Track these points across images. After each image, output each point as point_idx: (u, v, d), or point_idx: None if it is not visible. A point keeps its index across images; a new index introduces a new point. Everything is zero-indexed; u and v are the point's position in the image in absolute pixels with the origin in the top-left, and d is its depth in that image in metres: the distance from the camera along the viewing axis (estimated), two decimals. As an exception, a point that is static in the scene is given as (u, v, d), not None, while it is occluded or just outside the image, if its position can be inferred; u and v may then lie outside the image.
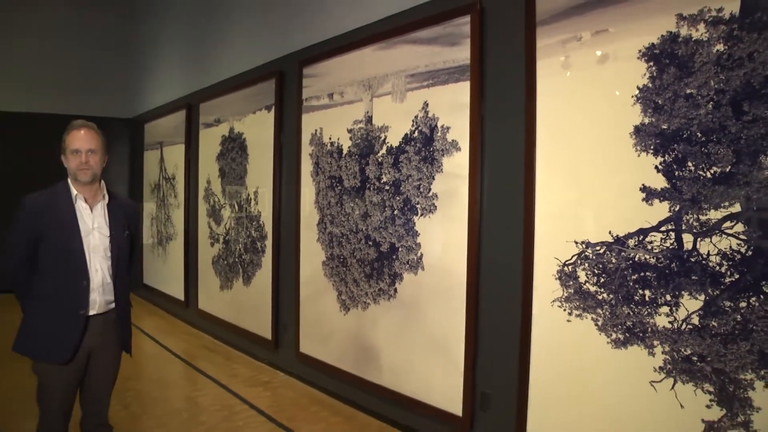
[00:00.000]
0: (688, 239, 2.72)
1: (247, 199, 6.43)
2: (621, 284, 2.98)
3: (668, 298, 2.80)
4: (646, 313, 2.88)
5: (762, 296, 2.50)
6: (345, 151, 4.81)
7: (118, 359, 3.06)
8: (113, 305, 2.96)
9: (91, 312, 2.86)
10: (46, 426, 2.86)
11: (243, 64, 6.61)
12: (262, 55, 6.23)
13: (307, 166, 5.32)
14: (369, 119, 4.55)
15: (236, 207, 6.67)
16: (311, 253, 5.27)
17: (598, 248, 3.07)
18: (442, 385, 3.96)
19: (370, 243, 4.52)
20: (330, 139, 5.00)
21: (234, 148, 6.71)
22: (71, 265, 2.81)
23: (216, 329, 7.23)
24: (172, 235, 8.63)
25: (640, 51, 2.88)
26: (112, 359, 3.01)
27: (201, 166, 7.61)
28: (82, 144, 2.84)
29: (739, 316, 2.57)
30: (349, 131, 4.76)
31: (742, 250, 2.55)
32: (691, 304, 2.72)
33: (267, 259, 6.06)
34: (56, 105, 10.07)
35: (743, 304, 2.56)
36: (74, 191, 2.86)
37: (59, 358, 2.78)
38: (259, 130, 6.21)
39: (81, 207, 2.86)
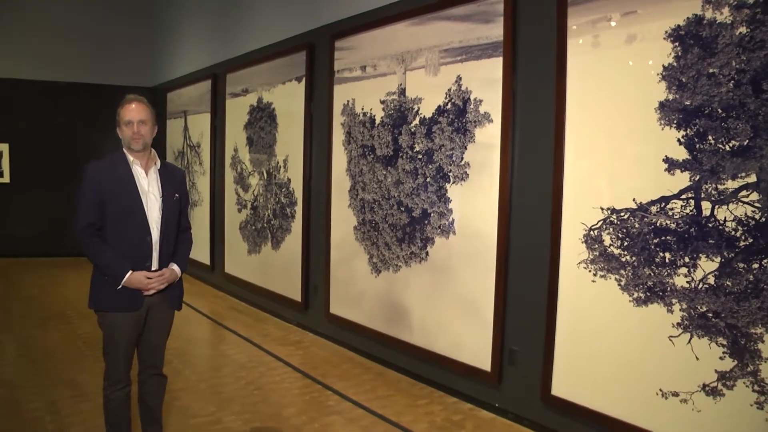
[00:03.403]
0: (706, 206, 2.98)
1: (276, 166, 6.69)
2: (643, 247, 3.24)
3: (687, 260, 3.07)
4: (665, 273, 3.15)
5: (773, 258, 2.76)
6: (378, 121, 5.05)
7: (172, 313, 3.33)
8: (163, 264, 3.23)
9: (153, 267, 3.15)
10: (112, 374, 3.16)
11: (271, 35, 6.81)
12: (291, 28, 6.42)
13: (338, 136, 5.57)
14: (402, 91, 4.78)
15: (265, 174, 6.93)
16: (342, 219, 5.55)
17: (622, 214, 3.33)
18: (471, 342, 4.26)
19: (403, 209, 4.79)
20: (362, 109, 5.24)
21: (263, 117, 6.94)
22: (135, 223, 3.08)
23: (243, 292, 7.54)
24: (197, 202, 8.91)
25: (666, 32, 3.10)
26: (166, 313, 3.28)
27: (228, 134, 7.86)
28: (133, 116, 3.10)
29: (751, 277, 2.83)
30: (382, 102, 4.99)
31: (756, 216, 2.81)
32: (707, 265, 2.99)
33: (297, 225, 6.33)
34: (78, 74, 10.32)
35: (756, 266, 2.82)
36: (130, 158, 3.13)
37: (132, 308, 3.07)
38: (288, 100, 6.44)
39: (137, 171, 3.13)
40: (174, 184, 3.28)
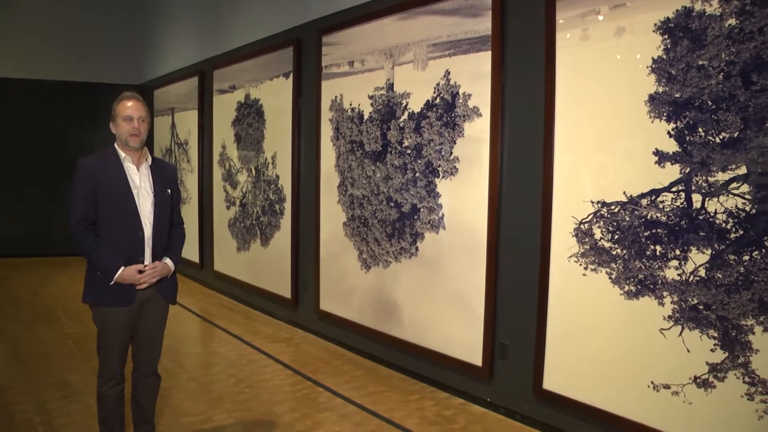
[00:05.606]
0: (697, 199, 2.98)
1: (264, 163, 6.65)
2: (634, 240, 3.24)
3: (677, 252, 3.07)
4: (656, 266, 3.15)
5: (764, 250, 2.76)
6: (366, 117, 5.02)
7: (166, 308, 3.33)
8: (156, 258, 3.23)
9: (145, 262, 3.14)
10: (106, 371, 3.15)
11: (259, 31, 6.76)
12: (278, 23, 6.38)
13: (327, 131, 5.54)
14: (390, 86, 4.76)
15: (253, 171, 6.89)
16: (331, 215, 5.52)
17: (612, 207, 3.33)
18: (462, 337, 4.25)
19: (392, 204, 4.77)
20: (351, 105, 5.21)
21: (250, 113, 6.90)
22: (127, 217, 3.08)
23: (233, 289, 7.51)
24: (185, 200, 8.85)
25: (655, 24, 3.09)
26: (160, 307, 3.27)
27: (215, 131, 7.81)
28: (133, 112, 3.09)
29: (742, 269, 2.84)
30: (370, 97, 4.97)
31: (747, 208, 2.81)
32: (698, 257, 2.99)
33: (286, 221, 6.31)
34: (64, 72, 10.21)
35: (746, 258, 2.82)
36: (122, 154, 3.12)
37: (125, 302, 3.07)
38: (276, 96, 6.41)
39: (128, 167, 3.12)
40: (166, 179, 3.28)
